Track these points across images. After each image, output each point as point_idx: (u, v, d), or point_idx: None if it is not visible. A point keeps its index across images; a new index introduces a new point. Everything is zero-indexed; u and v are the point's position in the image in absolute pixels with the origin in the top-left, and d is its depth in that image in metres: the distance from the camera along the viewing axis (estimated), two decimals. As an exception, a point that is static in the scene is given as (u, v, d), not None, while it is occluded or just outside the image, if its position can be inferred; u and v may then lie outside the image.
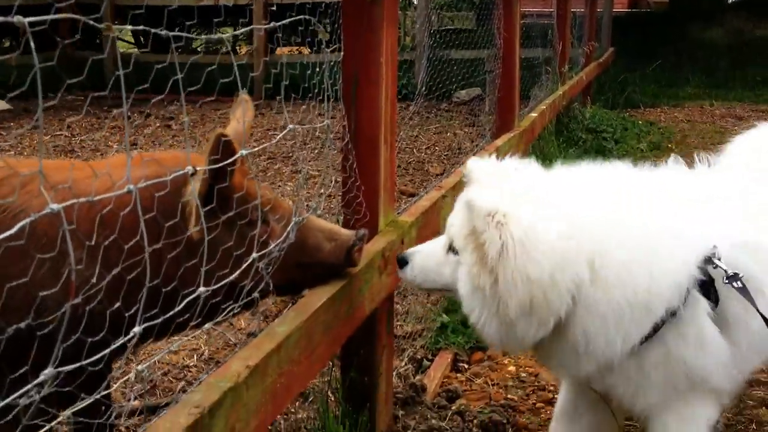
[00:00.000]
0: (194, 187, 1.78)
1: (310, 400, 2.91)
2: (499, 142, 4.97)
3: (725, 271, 1.94)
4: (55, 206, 1.12)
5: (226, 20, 11.66)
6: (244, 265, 1.86)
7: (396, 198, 2.97)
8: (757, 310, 1.95)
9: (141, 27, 1.50)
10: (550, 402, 3.12)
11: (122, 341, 1.36)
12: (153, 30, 1.48)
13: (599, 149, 7.79)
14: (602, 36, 12.99)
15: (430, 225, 3.03)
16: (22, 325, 1.24)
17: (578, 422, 2.39)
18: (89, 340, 1.41)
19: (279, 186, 6.27)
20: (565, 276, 1.88)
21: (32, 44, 1.11)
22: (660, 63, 13.42)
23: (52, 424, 1.31)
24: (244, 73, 1.84)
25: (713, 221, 2.08)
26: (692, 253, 1.99)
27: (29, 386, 1.11)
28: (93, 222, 1.72)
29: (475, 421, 2.99)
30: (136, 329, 1.37)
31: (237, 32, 2.09)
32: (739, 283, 1.93)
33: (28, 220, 1.10)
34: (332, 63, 2.41)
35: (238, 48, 13.63)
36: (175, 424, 1.39)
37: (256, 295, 1.96)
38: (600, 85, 11.47)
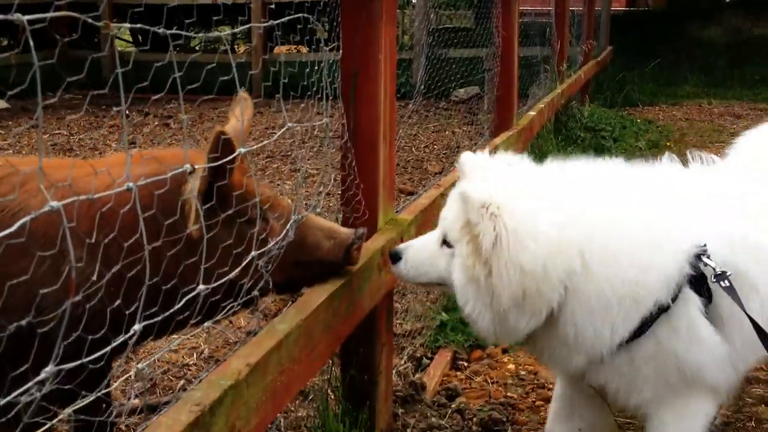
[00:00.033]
0: (193, 186, 1.78)
1: (310, 398, 2.91)
2: (497, 140, 4.97)
3: (713, 269, 1.96)
4: (55, 204, 1.12)
5: (224, 19, 11.66)
6: (244, 263, 1.86)
7: (395, 196, 2.96)
8: (743, 310, 1.97)
9: (139, 25, 1.50)
10: (550, 400, 3.12)
11: (122, 339, 1.36)
12: (152, 28, 1.48)
13: (598, 148, 7.79)
14: (600, 34, 13.00)
15: (429, 223, 3.03)
16: (24, 322, 1.24)
17: (574, 420, 2.40)
18: (89, 337, 1.41)
19: (278, 184, 6.27)
20: (557, 266, 1.91)
21: (31, 42, 1.11)
22: (658, 62, 13.42)
23: (54, 422, 1.31)
24: (243, 72, 1.84)
25: (705, 218, 2.10)
26: (682, 248, 2.00)
27: (30, 384, 1.11)
28: (92, 220, 1.72)
29: (474, 419, 3.00)
30: (137, 327, 1.37)
31: (235, 30, 2.09)
32: (726, 282, 1.95)
33: (28, 217, 1.10)
34: (331, 61, 2.41)
35: (236, 47, 13.62)
36: (177, 421, 1.39)
37: (255, 293, 1.96)
38: (598, 83, 11.47)
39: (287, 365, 1.85)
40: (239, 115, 2.03)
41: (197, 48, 12.42)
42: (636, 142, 8.37)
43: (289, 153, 7.25)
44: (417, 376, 3.26)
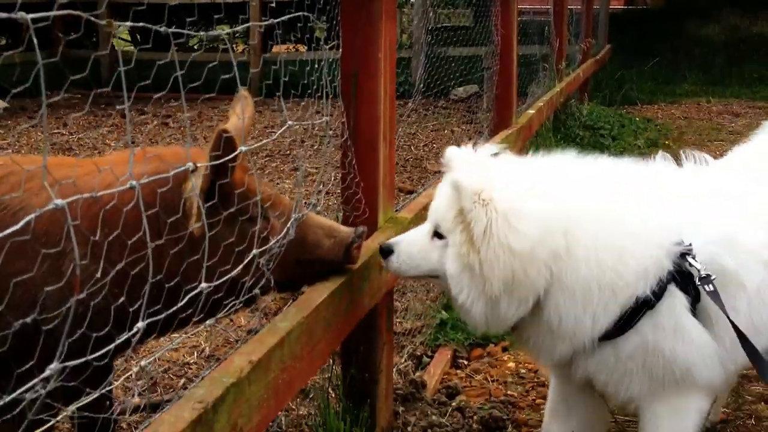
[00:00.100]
0: (195, 184, 1.79)
1: (311, 396, 2.91)
2: (496, 139, 4.97)
3: (698, 272, 2.00)
4: (59, 201, 1.13)
5: (223, 18, 11.65)
6: (245, 261, 1.86)
7: (395, 195, 2.97)
8: (727, 317, 2.00)
9: (141, 24, 1.50)
10: (550, 398, 3.13)
11: (126, 336, 1.36)
12: (154, 27, 1.48)
13: (596, 146, 7.79)
14: (599, 33, 12.99)
15: (430, 221, 3.03)
16: (28, 320, 1.24)
17: (570, 419, 2.42)
18: (93, 335, 1.42)
19: (278, 183, 6.27)
20: (544, 248, 1.97)
21: (35, 41, 1.11)
22: (657, 60, 13.42)
23: (58, 418, 1.31)
24: (241, 71, 1.84)
25: (694, 216, 2.13)
26: (663, 243, 2.04)
27: (35, 381, 1.12)
28: (94, 218, 1.72)
29: (475, 417, 3.00)
30: (140, 324, 1.37)
31: (236, 29, 2.10)
32: (710, 286, 1.98)
33: (32, 216, 1.10)
34: (330, 60, 2.41)
35: (234, 46, 13.61)
36: (180, 418, 1.40)
37: (256, 291, 1.97)
38: (597, 82, 11.47)
39: (289, 363, 1.85)
40: (240, 113, 2.03)
41: (195, 47, 12.42)
42: (635, 141, 8.37)
43: (289, 152, 7.25)
44: (417, 374, 3.27)
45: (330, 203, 4.36)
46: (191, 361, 3.40)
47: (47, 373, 1.12)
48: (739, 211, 2.20)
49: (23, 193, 1.84)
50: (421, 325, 3.72)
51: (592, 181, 2.15)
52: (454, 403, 3.11)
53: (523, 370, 3.47)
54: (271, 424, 2.67)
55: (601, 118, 9.06)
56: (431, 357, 3.52)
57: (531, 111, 6.24)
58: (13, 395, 1.12)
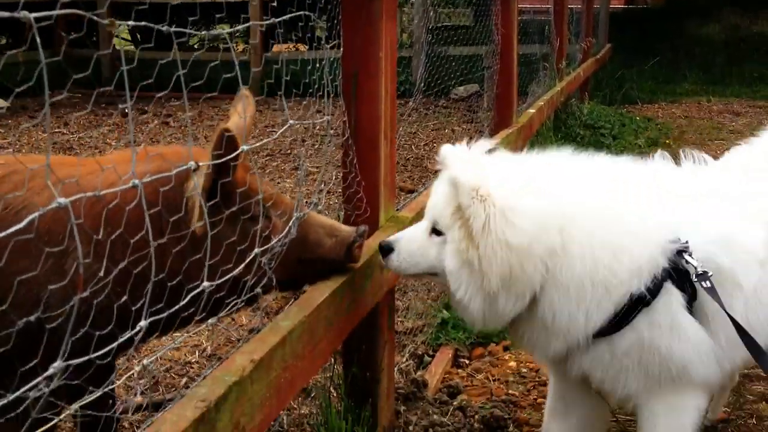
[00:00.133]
0: (197, 183, 1.79)
1: (313, 395, 2.91)
2: (497, 138, 4.97)
3: (695, 268, 2.01)
4: (62, 200, 1.13)
5: (224, 17, 11.65)
6: (247, 260, 1.86)
7: (396, 194, 2.97)
8: (724, 311, 2.00)
9: (143, 23, 1.50)
10: (551, 397, 3.13)
11: (129, 335, 1.36)
12: (156, 26, 1.48)
13: (597, 145, 7.80)
14: (599, 32, 12.99)
15: (431, 220, 3.03)
16: (32, 318, 1.25)
17: (569, 417, 2.43)
18: (96, 333, 1.42)
19: (278, 183, 6.28)
20: (540, 243, 1.98)
21: (38, 40, 1.12)
22: (657, 59, 13.42)
23: (61, 417, 1.32)
24: (242, 70, 1.84)
25: (691, 215, 2.14)
26: (658, 241, 2.05)
27: (39, 379, 1.12)
28: (97, 217, 1.72)
29: (476, 417, 3.00)
30: (143, 323, 1.37)
31: (234, 29, 2.10)
32: (707, 282, 1.99)
33: (35, 214, 1.10)
34: (332, 59, 2.41)
35: (235, 45, 13.60)
36: (182, 417, 1.40)
37: (258, 290, 1.97)
38: (597, 81, 11.47)
39: (291, 362, 1.86)
40: (241, 112, 2.03)
41: (196, 46, 12.42)
42: (635, 140, 8.38)
43: (289, 151, 7.25)
44: (419, 373, 3.27)
45: (331, 202, 4.36)
46: (193, 360, 3.40)
47: (51, 371, 1.13)
48: (736, 210, 2.20)
49: (25, 192, 1.84)
50: (422, 324, 3.72)
51: (589, 178, 2.16)
52: (455, 403, 3.11)
53: (524, 370, 3.48)
54: (272, 423, 2.67)
55: (602, 118, 9.06)
56: (432, 356, 3.53)
57: (531, 110, 6.24)
58: (17, 393, 1.12)
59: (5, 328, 1.51)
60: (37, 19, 1.10)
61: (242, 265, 1.85)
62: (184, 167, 1.63)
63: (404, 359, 3.38)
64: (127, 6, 9.83)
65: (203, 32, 1.85)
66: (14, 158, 2.14)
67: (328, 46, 2.41)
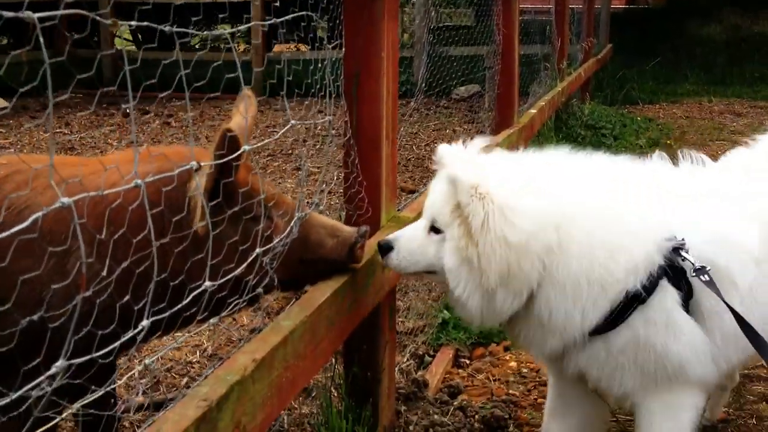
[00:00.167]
0: (199, 183, 1.79)
1: (313, 395, 2.92)
2: (498, 138, 4.97)
3: (692, 263, 2.02)
4: (66, 200, 1.13)
5: (225, 17, 11.66)
6: (249, 260, 1.87)
7: (397, 194, 2.97)
8: (725, 302, 2.01)
9: (146, 23, 1.51)
10: (551, 397, 3.13)
11: (131, 334, 1.37)
12: (159, 27, 1.48)
13: (598, 145, 7.80)
14: (600, 32, 13.00)
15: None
16: (35, 317, 1.25)
17: (569, 417, 2.44)
18: (99, 333, 1.42)
19: (280, 183, 6.28)
20: (537, 241, 2.00)
21: (42, 40, 1.12)
22: (658, 59, 13.42)
23: (64, 416, 1.32)
24: (243, 70, 1.84)
25: (687, 214, 2.15)
26: (654, 239, 2.06)
27: (41, 378, 1.12)
28: (99, 217, 1.72)
29: (476, 417, 3.01)
30: (145, 322, 1.38)
31: (235, 29, 2.10)
32: (706, 276, 2.00)
33: (39, 213, 1.10)
34: (333, 59, 2.41)
35: (236, 45, 13.61)
36: (184, 416, 1.40)
37: (260, 290, 1.97)
38: (598, 81, 11.48)
39: (292, 361, 1.86)
40: (243, 112, 2.03)
41: (197, 46, 12.42)
42: (636, 140, 8.38)
43: (291, 152, 7.26)
44: (419, 373, 3.27)
45: (332, 202, 4.36)
46: (194, 360, 3.41)
47: (53, 370, 1.13)
48: (733, 210, 2.22)
49: (28, 192, 1.85)
50: (423, 324, 3.73)
51: (587, 177, 2.17)
52: (456, 403, 3.11)
53: (525, 370, 3.48)
54: (273, 422, 2.67)
55: (603, 118, 9.06)
56: (433, 356, 3.53)
57: (533, 110, 6.24)
58: (20, 392, 1.12)
59: (7, 328, 1.51)
60: (41, 20, 1.10)
61: (244, 265, 1.85)
62: (186, 167, 1.63)
63: (405, 359, 3.39)
64: (128, 6, 9.83)
65: (205, 32, 1.85)
66: (17, 158, 2.15)
67: (330, 46, 2.41)
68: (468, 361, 3.59)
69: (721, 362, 2.17)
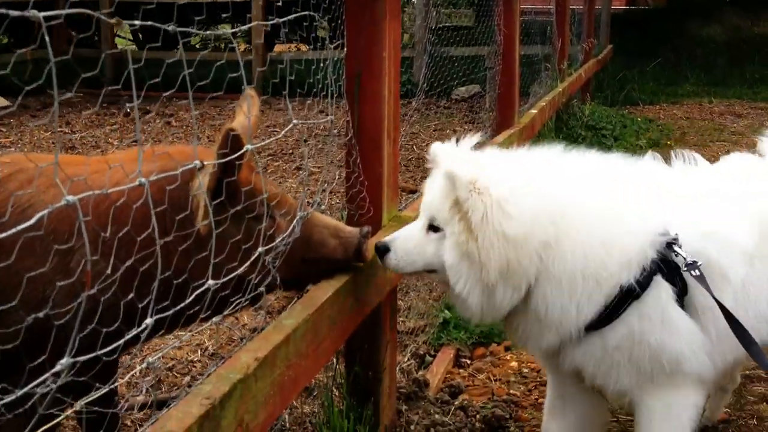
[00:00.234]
0: (202, 182, 1.80)
1: (315, 394, 2.92)
2: (499, 138, 4.98)
3: (684, 258, 2.04)
4: (70, 198, 1.13)
5: (228, 17, 11.66)
6: (252, 259, 1.87)
7: (398, 194, 2.98)
8: (713, 297, 2.03)
9: (149, 23, 1.51)
10: (552, 397, 3.14)
11: (135, 332, 1.37)
12: (163, 26, 1.49)
13: (598, 146, 7.78)
14: (601, 33, 13.01)
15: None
16: (41, 314, 1.25)
17: (568, 415, 2.44)
18: (103, 330, 1.43)
19: (281, 183, 6.29)
20: (534, 235, 2.02)
21: (47, 39, 1.12)
22: (659, 60, 13.42)
23: (68, 413, 1.33)
24: (244, 70, 1.84)
25: (680, 211, 2.17)
26: (648, 234, 2.08)
27: (46, 375, 1.13)
28: (103, 215, 1.73)
29: (477, 416, 3.01)
30: (148, 321, 1.38)
31: (242, 28, 2.10)
32: (697, 271, 2.03)
33: (45, 212, 1.11)
34: (335, 59, 2.42)
35: (235, 45, 13.59)
36: (188, 414, 1.41)
37: (262, 289, 1.98)
38: (599, 82, 11.48)
39: (294, 360, 1.86)
40: (246, 111, 2.04)
41: (197, 46, 12.43)
42: (636, 141, 8.38)
43: (292, 152, 7.26)
44: (420, 373, 3.27)
45: (333, 202, 4.37)
46: (195, 359, 3.41)
47: (58, 368, 1.13)
48: (726, 207, 2.23)
49: (32, 191, 1.85)
50: (424, 324, 3.73)
51: (582, 173, 2.19)
52: (456, 402, 3.12)
53: (525, 370, 3.48)
54: (275, 421, 2.68)
55: (603, 119, 9.06)
56: (434, 356, 3.53)
57: (533, 111, 6.24)
58: (25, 389, 1.13)
59: (11, 325, 1.52)
60: (46, 19, 1.11)
61: (247, 264, 1.86)
62: (190, 166, 1.64)
63: (406, 359, 3.39)
64: (129, 6, 9.83)
65: (208, 32, 1.86)
66: (21, 156, 2.15)
67: (332, 46, 2.42)
68: (469, 361, 3.59)
69: (717, 358, 2.18)
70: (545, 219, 2.03)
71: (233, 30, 2.04)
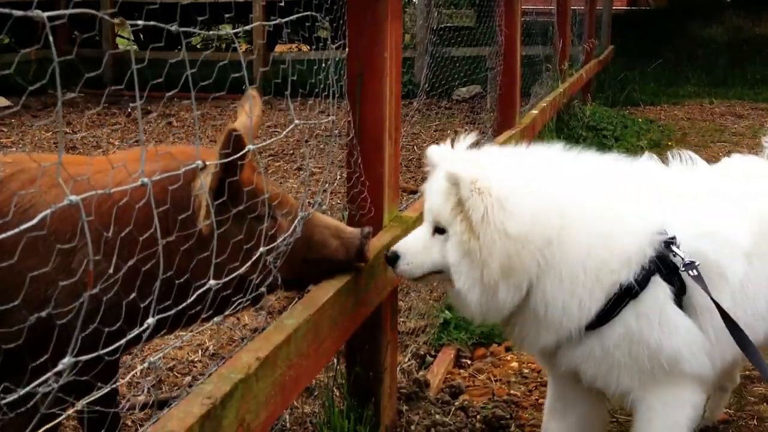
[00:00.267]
0: (204, 182, 1.80)
1: (315, 394, 2.92)
2: (500, 139, 4.98)
3: (682, 258, 2.05)
4: (73, 197, 1.14)
5: (230, 17, 11.67)
6: (253, 259, 1.88)
7: (399, 194, 2.98)
8: (710, 296, 2.04)
9: (153, 23, 1.51)
10: (552, 397, 3.14)
11: (137, 332, 1.38)
12: (165, 26, 1.49)
13: (599, 147, 7.78)
14: (602, 34, 13.01)
15: (434, 221, 3.04)
16: (44, 314, 1.26)
17: (568, 416, 2.45)
18: (105, 330, 1.43)
19: (282, 183, 6.29)
20: (536, 233, 2.03)
21: (51, 38, 1.13)
22: (660, 61, 13.42)
23: (70, 412, 1.33)
24: (239, 70, 1.84)
25: (678, 211, 2.18)
26: (647, 233, 2.09)
27: (48, 374, 1.13)
28: (105, 215, 1.73)
29: (478, 417, 3.01)
30: (150, 320, 1.38)
31: (245, 28, 2.11)
32: (694, 271, 2.04)
33: (48, 211, 1.11)
34: (337, 59, 2.42)
35: (237, 45, 13.61)
36: (189, 413, 1.41)
37: (263, 289, 1.98)
38: (600, 82, 11.48)
39: (295, 360, 1.87)
40: (248, 112, 2.04)
41: (198, 46, 12.43)
42: (637, 142, 8.38)
43: (292, 152, 7.26)
44: (421, 373, 3.28)
45: (334, 203, 4.37)
46: (196, 359, 3.41)
47: (60, 367, 1.14)
48: (724, 207, 2.24)
49: (34, 191, 1.85)
50: (424, 324, 3.73)
51: (582, 173, 2.20)
52: (457, 403, 3.12)
53: (526, 370, 3.48)
54: (276, 421, 2.68)
55: (604, 119, 9.07)
56: (434, 356, 3.54)
57: (534, 111, 6.25)
58: (27, 389, 1.13)
59: (14, 325, 1.52)
60: (49, 19, 1.11)
61: (248, 264, 1.86)
62: (192, 166, 1.64)
63: (406, 359, 3.39)
64: (130, 6, 9.84)
65: (210, 32, 1.86)
66: (23, 156, 2.16)
67: (334, 47, 2.42)
68: (469, 362, 3.59)
69: (716, 358, 2.19)
70: (547, 217, 2.05)
71: (235, 30, 2.04)
